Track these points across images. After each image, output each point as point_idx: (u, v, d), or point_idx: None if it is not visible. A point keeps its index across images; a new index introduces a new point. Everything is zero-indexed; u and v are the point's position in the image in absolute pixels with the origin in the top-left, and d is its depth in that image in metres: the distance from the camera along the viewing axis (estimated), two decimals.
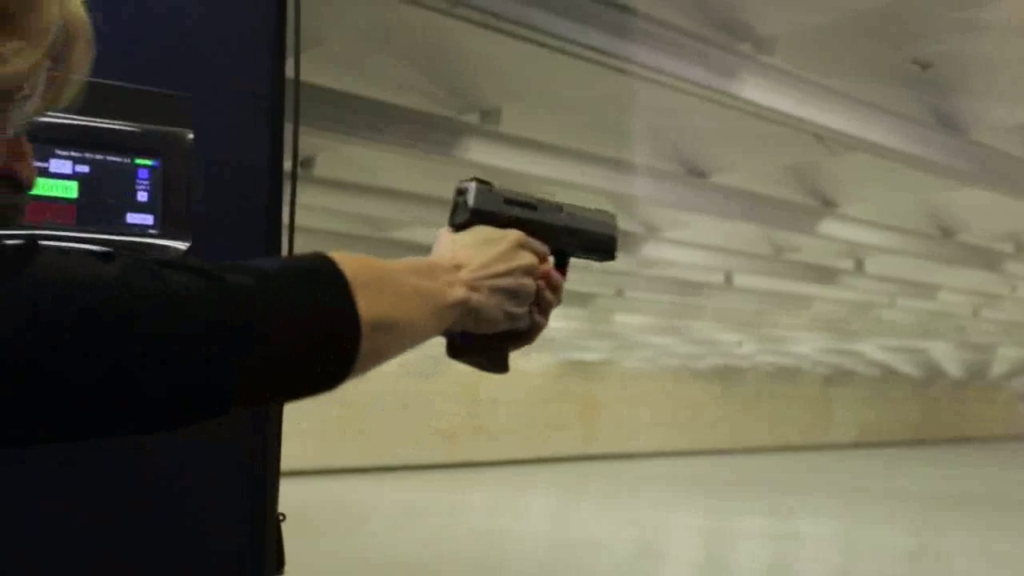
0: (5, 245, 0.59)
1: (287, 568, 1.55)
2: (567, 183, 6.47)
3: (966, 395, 27.92)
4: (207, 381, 0.66)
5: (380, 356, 0.75)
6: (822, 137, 6.03)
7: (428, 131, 5.68)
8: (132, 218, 1.38)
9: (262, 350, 0.67)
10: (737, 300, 13.21)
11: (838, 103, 5.47)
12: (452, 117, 5.79)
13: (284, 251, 1.66)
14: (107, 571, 1.34)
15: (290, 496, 1.56)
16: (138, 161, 1.39)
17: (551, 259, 0.98)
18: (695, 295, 12.40)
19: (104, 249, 0.63)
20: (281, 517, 1.56)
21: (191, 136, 1.42)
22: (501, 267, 0.89)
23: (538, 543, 9.73)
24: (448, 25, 4.29)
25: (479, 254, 0.89)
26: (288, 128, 1.72)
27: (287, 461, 1.56)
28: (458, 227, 0.96)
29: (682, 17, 4.41)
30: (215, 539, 1.43)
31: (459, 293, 0.84)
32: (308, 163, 6.59)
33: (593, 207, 1.06)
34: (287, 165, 1.72)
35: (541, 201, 1.01)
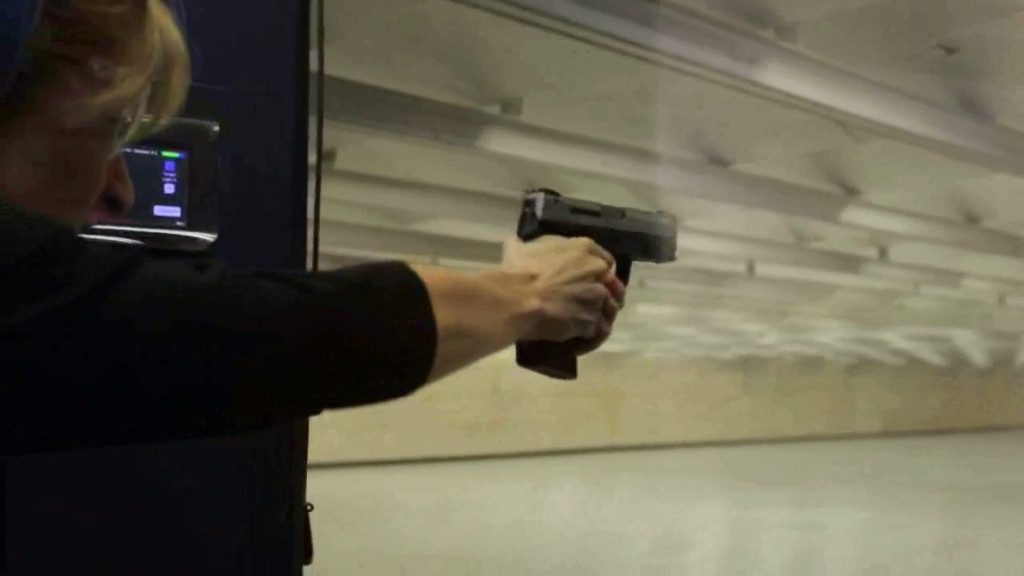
0: (113, 252, 0.62)
1: (315, 559, 1.56)
2: (588, 173, 6.45)
3: (991, 384, 27.69)
4: (300, 389, 0.69)
5: (455, 363, 0.78)
6: (845, 124, 5.98)
7: (449, 122, 5.67)
8: (159, 210, 1.39)
9: (349, 358, 0.70)
10: (760, 290, 13.15)
11: (861, 89, 5.42)
12: (473, 108, 5.78)
13: (309, 244, 1.67)
14: (107, 571, 1.35)
15: (315, 488, 1.57)
16: (165, 153, 1.40)
17: (614, 265, 1.00)
18: (718, 285, 12.35)
19: (200, 262, 0.66)
20: (309, 507, 1.57)
21: (217, 129, 1.43)
22: (573, 274, 0.91)
23: (564, 535, 9.73)
24: (469, 15, 4.29)
25: (551, 263, 0.91)
26: (311, 121, 1.73)
27: (311, 454, 1.57)
28: (526, 237, 0.99)
29: (703, 4, 4.38)
30: (215, 539, 1.43)
31: (534, 304, 0.87)
32: (329, 156, 6.61)
33: (654, 210, 1.08)
34: (311, 158, 1.73)
35: (604, 207, 1.04)
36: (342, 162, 6.59)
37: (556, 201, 1.00)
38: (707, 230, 9.20)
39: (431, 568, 7.98)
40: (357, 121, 5.25)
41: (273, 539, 1.48)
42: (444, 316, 0.75)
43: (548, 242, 0.95)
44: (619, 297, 0.99)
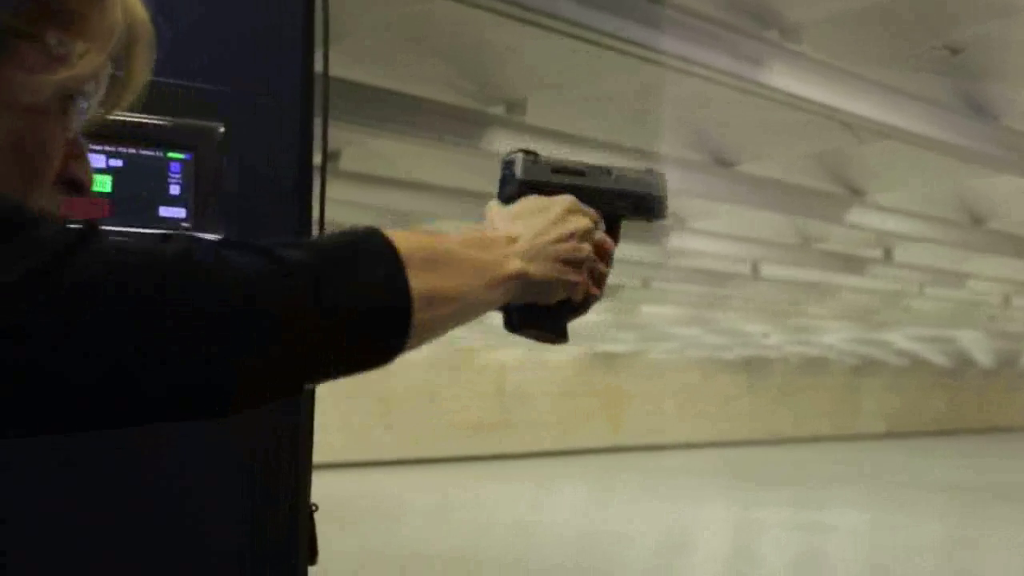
0: (68, 228, 0.60)
1: (320, 559, 1.56)
2: None
3: (996, 385, 27.63)
4: (272, 362, 0.66)
5: (434, 329, 0.76)
6: (850, 125, 5.97)
7: (454, 123, 5.67)
8: (165, 211, 1.39)
9: (324, 326, 0.68)
10: (764, 290, 13.14)
11: (866, 90, 5.42)
12: (478, 109, 5.79)
13: None
14: (107, 571, 1.35)
15: (317, 489, 1.57)
16: (170, 155, 1.40)
17: (602, 224, 0.96)
18: (722, 286, 12.34)
19: (164, 232, 0.64)
20: (313, 508, 1.57)
21: (222, 130, 1.43)
22: (556, 233, 0.88)
23: (566, 535, 9.73)
24: (473, 16, 4.29)
25: (532, 224, 0.88)
26: (316, 122, 1.73)
27: (315, 454, 1.57)
28: (507, 200, 0.95)
29: (708, 4, 4.38)
30: (216, 539, 1.43)
31: (516, 265, 0.84)
32: (334, 156, 6.61)
33: (642, 167, 1.04)
34: (316, 159, 1.73)
35: (589, 166, 1.00)
36: (346, 163, 6.60)
37: (535, 161, 0.96)
38: (711, 231, 9.19)
39: (433, 568, 7.98)
40: (361, 122, 5.26)
41: (275, 540, 1.48)
42: (420, 282, 0.73)
43: (529, 202, 0.91)
44: (607, 257, 0.95)
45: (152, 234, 0.64)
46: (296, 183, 1.61)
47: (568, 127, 6.20)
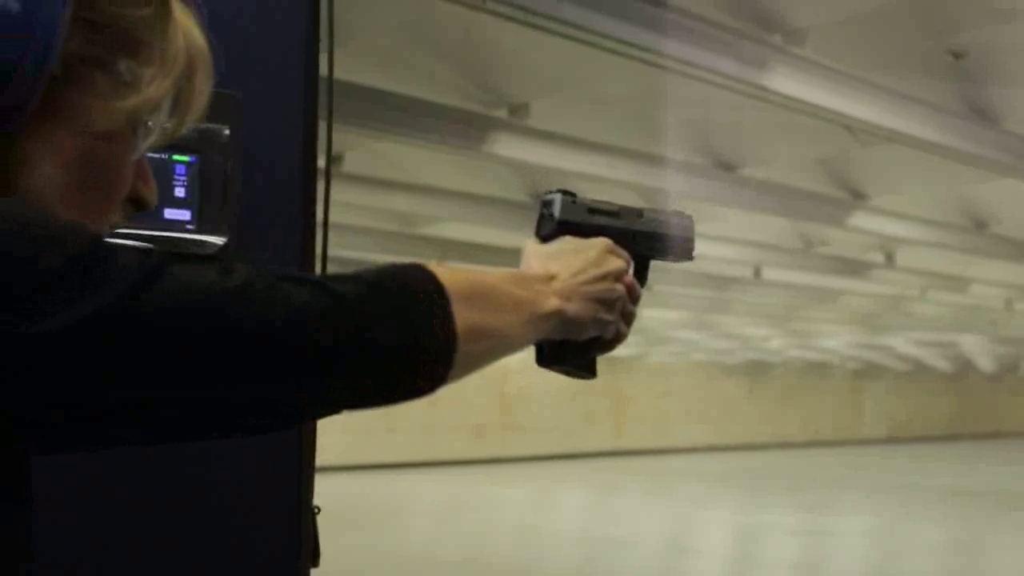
0: (140, 264, 0.63)
1: (322, 561, 1.56)
2: (596, 177, 6.45)
3: (999, 389, 27.60)
4: (326, 390, 0.71)
5: (475, 363, 0.79)
6: (853, 129, 5.97)
7: (457, 126, 5.68)
8: (169, 213, 1.40)
9: (372, 358, 0.71)
10: (767, 294, 13.13)
11: (869, 94, 5.42)
12: (481, 112, 5.79)
13: (319, 248, 1.68)
14: (115, 571, 1.35)
15: (322, 491, 1.58)
16: (175, 157, 1.40)
17: (632, 266, 0.99)
18: (725, 290, 12.34)
19: (227, 264, 0.67)
20: (316, 510, 1.57)
21: (227, 133, 1.44)
22: (592, 274, 0.91)
23: (571, 539, 9.73)
24: (477, 19, 4.30)
25: (570, 264, 0.91)
26: (320, 125, 1.73)
27: (318, 457, 1.57)
28: (544, 239, 0.98)
29: (712, 9, 4.39)
30: (221, 541, 1.44)
31: (554, 303, 0.87)
32: (337, 159, 6.62)
33: (670, 209, 1.07)
34: (320, 162, 1.74)
35: (622, 208, 1.03)
36: (350, 165, 6.61)
37: (574, 202, 0.99)
38: (714, 234, 9.20)
39: (437, 571, 7.98)
40: (365, 124, 5.27)
41: (280, 541, 1.48)
42: (464, 317, 0.76)
43: (567, 243, 0.95)
44: (636, 299, 0.98)
45: (215, 264, 0.67)
46: (301, 186, 1.61)
47: (571, 130, 6.21)
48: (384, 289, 0.73)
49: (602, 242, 0.95)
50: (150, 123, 0.75)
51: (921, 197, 8.33)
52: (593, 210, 1.00)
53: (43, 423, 0.63)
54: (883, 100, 5.53)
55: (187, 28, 0.77)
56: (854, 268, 11.32)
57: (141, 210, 0.79)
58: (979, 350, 22.14)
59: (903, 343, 20.76)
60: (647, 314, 14.56)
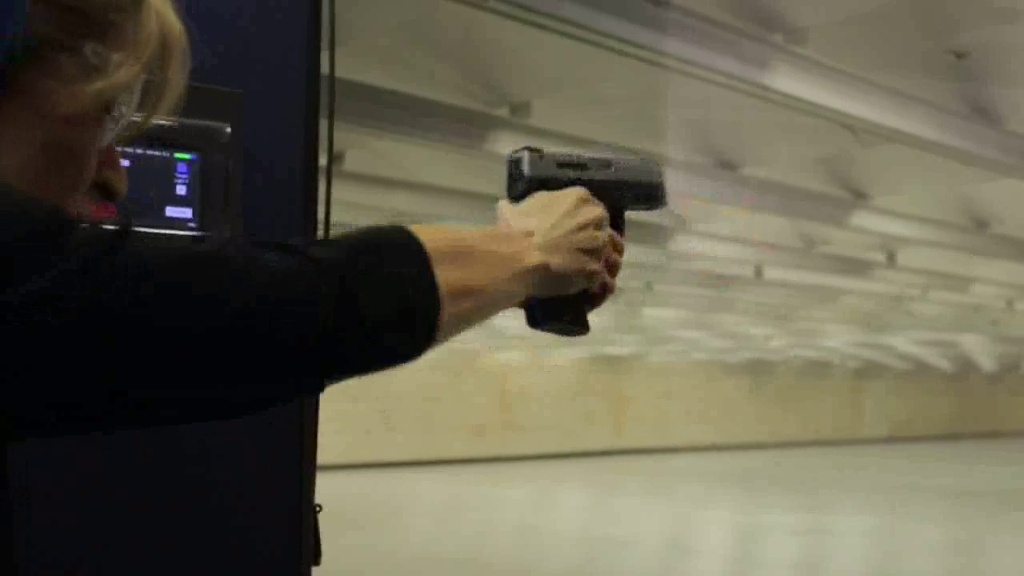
0: (106, 230, 0.61)
1: (323, 560, 1.56)
2: None
3: (1000, 389, 27.60)
4: (307, 358, 0.67)
5: (461, 323, 0.77)
6: (854, 128, 5.97)
7: (458, 125, 5.68)
8: (171, 211, 1.39)
9: (354, 322, 0.68)
10: (767, 293, 13.13)
11: (871, 94, 5.42)
12: (482, 111, 5.79)
13: None
14: (111, 570, 1.35)
15: (322, 490, 1.57)
16: (177, 155, 1.40)
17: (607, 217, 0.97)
18: (725, 288, 12.34)
19: (196, 234, 0.65)
20: (318, 509, 1.57)
21: (229, 131, 1.43)
22: (571, 224, 0.89)
23: (571, 538, 9.73)
24: (479, 18, 4.29)
25: (547, 217, 0.89)
26: (321, 123, 1.73)
27: (319, 456, 1.57)
28: (517, 198, 0.97)
29: (713, 8, 4.39)
30: (222, 540, 1.43)
31: (537, 257, 0.85)
32: (338, 158, 6.62)
33: (638, 156, 1.05)
34: (321, 160, 1.73)
35: (591, 159, 1.01)
36: (350, 164, 6.60)
37: (541, 157, 0.97)
38: (716, 234, 9.19)
39: (437, 570, 7.98)
40: (366, 123, 5.27)
41: (281, 540, 1.48)
42: (447, 276, 0.74)
43: (540, 198, 0.93)
44: (619, 248, 0.97)
45: (185, 236, 0.65)
46: (302, 184, 1.61)
47: (572, 129, 6.20)
48: (364, 253, 0.70)
49: (575, 191, 0.93)
50: (120, 109, 0.72)
51: (922, 197, 8.33)
52: (562, 164, 0.98)
53: (5, 404, 0.59)
54: (884, 100, 5.53)
55: (161, 12, 0.74)
56: (855, 267, 11.31)
57: (110, 198, 0.77)
58: (980, 350, 22.15)
59: (904, 342, 20.77)
60: (647, 313, 14.57)
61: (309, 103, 1.64)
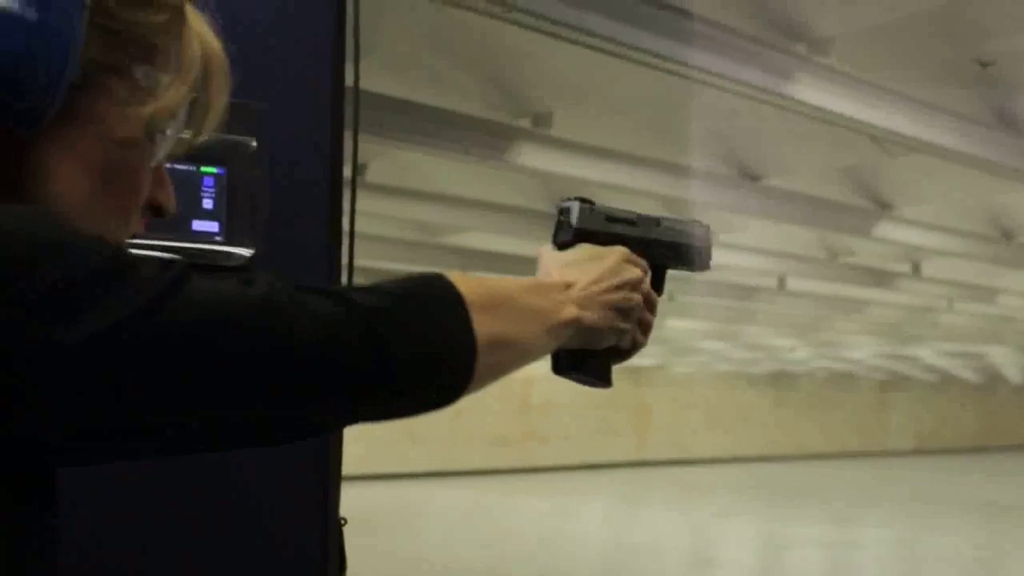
0: (162, 267, 0.63)
1: (349, 571, 1.56)
2: (619, 187, 6.44)
3: None
4: (348, 403, 0.71)
5: (495, 373, 0.79)
6: (878, 138, 5.93)
7: (481, 136, 5.69)
8: (198, 225, 1.40)
9: (393, 368, 0.70)
10: (791, 304, 13.06)
11: (895, 103, 5.39)
12: (504, 122, 5.80)
13: (344, 258, 1.68)
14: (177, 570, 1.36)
15: (345, 501, 1.58)
16: (203, 169, 1.41)
17: (649, 275, 0.99)
18: (748, 299, 12.28)
19: (247, 275, 0.67)
20: (343, 521, 1.57)
21: (255, 144, 1.44)
22: (610, 283, 0.91)
23: (594, 549, 9.70)
24: (501, 29, 4.30)
25: (587, 272, 0.91)
26: (345, 135, 1.73)
27: (343, 466, 1.57)
28: (561, 246, 0.98)
29: (736, 18, 4.37)
30: (248, 553, 1.44)
31: (571, 312, 0.87)
32: (360, 169, 6.65)
33: (688, 218, 1.07)
34: (345, 172, 1.74)
35: (640, 216, 1.03)
36: (373, 175, 6.62)
37: (592, 210, 0.99)
38: (739, 244, 9.16)
39: None
40: (388, 134, 5.28)
41: (307, 553, 1.48)
42: (484, 326, 0.76)
43: (584, 250, 0.95)
44: (652, 308, 0.98)
45: (236, 275, 0.67)
46: (327, 196, 1.61)
47: (594, 140, 6.20)
48: (405, 300, 0.73)
49: (619, 250, 0.95)
50: (167, 130, 0.74)
51: (948, 207, 8.27)
52: (611, 218, 1.00)
53: (62, 438, 0.62)
54: (909, 109, 5.49)
55: (202, 34, 0.77)
56: (880, 278, 11.24)
57: (160, 217, 0.79)
58: (1007, 361, 21.92)
59: (930, 354, 20.59)
60: (669, 324, 14.52)
61: (334, 115, 1.65)
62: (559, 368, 0.95)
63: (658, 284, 1.02)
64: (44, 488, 0.65)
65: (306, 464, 1.49)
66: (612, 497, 14.72)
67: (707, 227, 1.09)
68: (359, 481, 12.62)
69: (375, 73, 4.75)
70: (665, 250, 1.03)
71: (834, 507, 13.12)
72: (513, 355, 0.80)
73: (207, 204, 1.41)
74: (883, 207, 8.07)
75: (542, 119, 5.77)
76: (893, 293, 12.12)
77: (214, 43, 0.78)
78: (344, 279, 1.65)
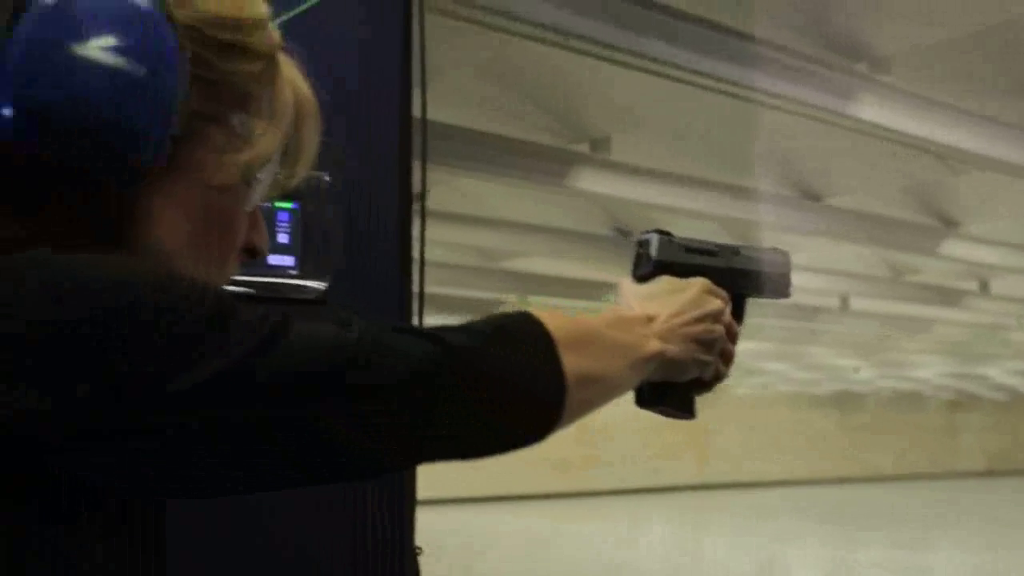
0: (264, 314, 0.66)
1: None
2: (679, 210, 6.42)
3: None
4: (439, 439, 0.72)
5: (583, 409, 0.80)
6: (942, 155, 5.84)
7: (539, 161, 5.71)
8: (273, 259, 1.43)
9: (485, 407, 0.72)
10: (854, 324, 12.87)
11: (959, 120, 5.30)
12: (562, 147, 5.82)
13: (415, 286, 1.70)
14: None
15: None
16: (278, 204, 1.44)
17: (729, 305, 0.99)
18: (811, 320, 12.12)
19: (343, 317, 0.69)
20: (418, 551, 1.58)
21: (328, 179, 1.47)
22: (692, 315, 0.91)
23: (661, 574, 9.59)
24: (558, 55, 4.32)
25: (669, 304, 0.91)
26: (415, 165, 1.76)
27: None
28: (641, 278, 0.98)
29: (796, 39, 4.35)
30: (363, 571, 1.45)
31: (655, 346, 0.87)
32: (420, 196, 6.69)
33: (767, 246, 1.06)
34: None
35: (720, 246, 1.03)
36: (432, 202, 6.67)
37: (671, 241, 0.99)
38: (800, 264, 9.05)
39: None
40: (447, 162, 5.32)
41: None
42: (571, 363, 0.76)
43: (664, 283, 0.95)
44: (734, 338, 0.98)
45: (333, 318, 0.69)
46: (397, 226, 1.64)
47: (653, 163, 6.19)
48: (496, 339, 0.74)
49: (700, 282, 0.95)
50: (262, 174, 0.76)
51: (1016, 223, 8.10)
52: (690, 249, 1.00)
53: (158, 479, 0.64)
54: (973, 125, 5.40)
55: (294, 80, 0.79)
56: (947, 297, 11.03)
57: (254, 259, 0.81)
58: None
59: (1000, 373, 20.11)
60: None
61: (402, 146, 1.67)
62: (643, 401, 0.96)
63: (739, 313, 1.02)
64: (49, 491, 0.63)
65: (382, 494, 1.50)
66: (674, 522, 14.56)
67: (786, 254, 1.09)
68: (420, 507, 12.59)
69: (433, 102, 4.80)
70: (745, 279, 1.03)
71: (903, 531, 12.83)
72: (600, 391, 0.81)
73: (282, 238, 1.44)
74: (949, 224, 7.94)
75: (600, 143, 5.78)
76: (960, 312, 11.88)
77: (305, 88, 0.80)
78: (415, 308, 1.67)
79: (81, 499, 0.62)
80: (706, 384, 0.97)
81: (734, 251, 1.03)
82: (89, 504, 0.63)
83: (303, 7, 1.44)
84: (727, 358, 0.98)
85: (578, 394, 0.77)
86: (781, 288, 1.07)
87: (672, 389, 0.94)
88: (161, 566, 0.70)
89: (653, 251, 0.98)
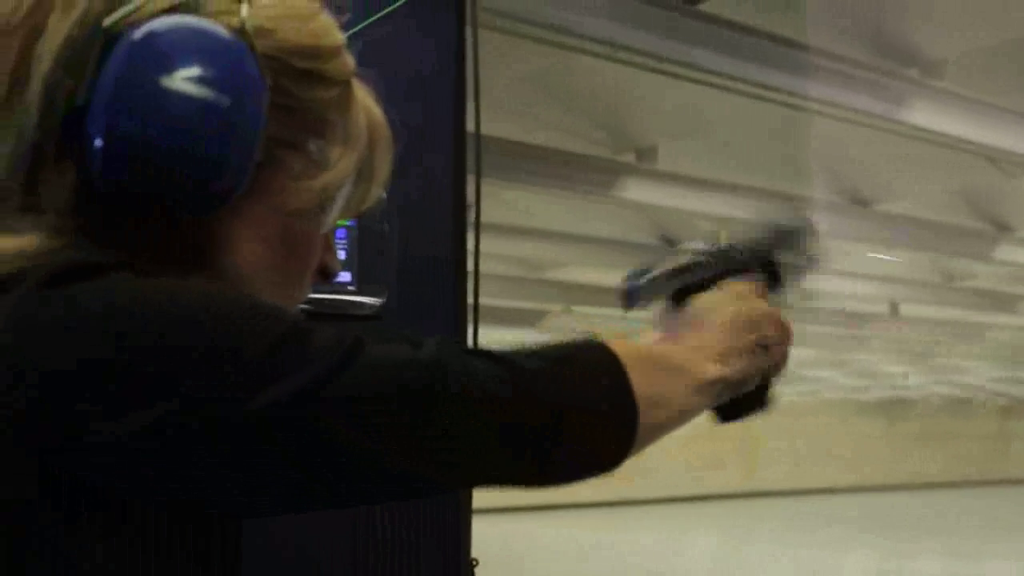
0: (337, 334, 0.66)
1: None
2: (726, 218, 6.38)
3: None
4: (516, 467, 0.72)
5: (654, 434, 0.79)
6: (995, 159, 5.76)
7: (585, 172, 5.71)
8: None
9: (561, 434, 0.72)
10: (905, 330, 12.71)
11: (1012, 123, 5.23)
12: (609, 157, 5.81)
13: (470, 299, 1.70)
14: None
15: None
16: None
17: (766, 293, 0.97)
18: (860, 326, 11.99)
19: (414, 338, 0.69)
20: (474, 563, 1.58)
21: (385, 196, 1.48)
22: (740, 328, 0.90)
23: None
24: (604, 66, 4.32)
25: (712, 326, 0.89)
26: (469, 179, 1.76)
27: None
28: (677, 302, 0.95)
29: (846, 45, 4.31)
30: None
31: (715, 371, 0.85)
32: (468, 209, 6.72)
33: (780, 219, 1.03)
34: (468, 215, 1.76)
35: (710, 252, 0.99)
36: (481, 214, 6.69)
37: (651, 281, 0.96)
38: (849, 271, 8.96)
39: None
40: (495, 174, 5.34)
41: None
42: (640, 387, 0.76)
43: (700, 304, 0.92)
44: (783, 327, 0.94)
45: (405, 339, 0.69)
46: (452, 240, 1.64)
47: (699, 172, 6.16)
48: (566, 364, 0.74)
49: (732, 290, 0.93)
50: (337, 198, 0.77)
51: None
52: (673, 274, 0.95)
53: (159, 479, 0.64)
54: None
55: (367, 105, 0.80)
56: (1000, 301, 10.87)
57: (327, 280, 0.82)
58: None
59: None
60: None
61: (457, 160, 1.68)
62: (725, 419, 0.95)
63: (775, 287, 0.98)
64: (49, 491, 0.63)
65: (437, 506, 1.51)
66: (721, 531, 14.44)
67: (802, 207, 1.04)
68: None
69: (483, 116, 4.81)
70: (770, 248, 0.99)
71: (956, 539, 12.62)
72: (668, 416, 0.80)
73: (340, 255, 1.46)
74: (1002, 229, 7.82)
75: (647, 153, 5.77)
76: (1014, 316, 11.70)
77: (377, 112, 0.81)
78: (469, 320, 1.67)
79: (81, 499, 0.62)
80: (771, 370, 0.94)
81: (726, 250, 0.98)
82: (89, 504, 0.63)
83: (368, 20, 1.46)
84: (785, 339, 0.94)
85: (648, 418, 0.77)
86: (799, 240, 1.01)
87: (745, 399, 0.93)
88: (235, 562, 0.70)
89: (634, 303, 0.97)
